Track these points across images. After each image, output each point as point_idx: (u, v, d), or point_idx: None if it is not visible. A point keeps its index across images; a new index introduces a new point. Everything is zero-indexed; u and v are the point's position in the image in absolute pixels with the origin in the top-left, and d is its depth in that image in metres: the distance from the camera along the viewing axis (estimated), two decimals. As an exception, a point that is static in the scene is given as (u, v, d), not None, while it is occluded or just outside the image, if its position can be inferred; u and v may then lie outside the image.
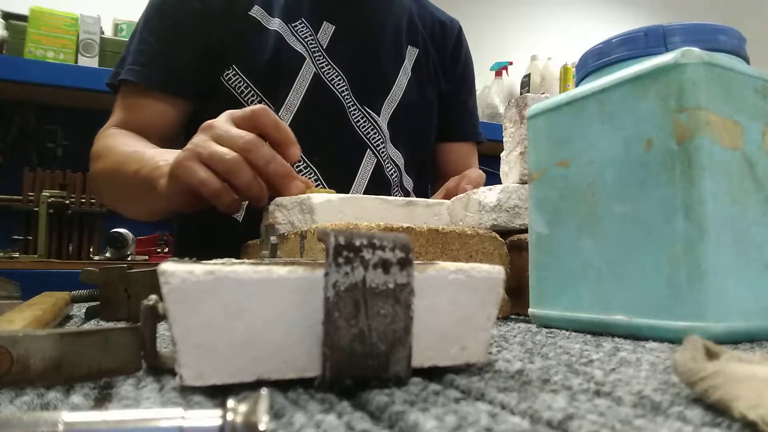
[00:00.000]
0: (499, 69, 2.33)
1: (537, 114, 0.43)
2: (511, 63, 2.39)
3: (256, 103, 0.79)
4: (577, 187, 0.39)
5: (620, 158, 0.36)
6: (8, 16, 1.71)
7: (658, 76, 0.34)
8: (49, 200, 1.60)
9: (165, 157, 0.62)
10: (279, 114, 0.80)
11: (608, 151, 0.36)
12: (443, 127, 1.00)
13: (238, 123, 0.57)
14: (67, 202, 1.62)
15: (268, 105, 0.79)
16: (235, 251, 0.64)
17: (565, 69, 2.35)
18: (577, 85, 0.43)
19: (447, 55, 0.99)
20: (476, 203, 0.52)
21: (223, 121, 0.57)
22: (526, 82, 2.37)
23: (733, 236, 0.32)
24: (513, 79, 2.40)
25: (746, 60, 0.40)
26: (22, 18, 1.69)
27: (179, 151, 0.62)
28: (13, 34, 1.68)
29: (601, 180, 0.37)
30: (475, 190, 0.53)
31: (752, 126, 0.34)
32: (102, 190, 0.83)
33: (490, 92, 2.28)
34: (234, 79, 0.80)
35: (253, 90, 0.80)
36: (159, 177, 0.61)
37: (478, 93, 2.35)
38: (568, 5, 3.05)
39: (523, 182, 0.53)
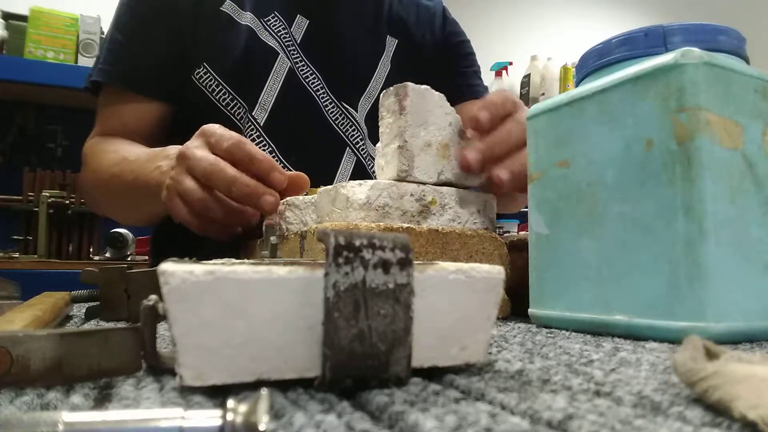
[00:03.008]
0: (499, 69, 2.33)
1: (537, 114, 0.43)
2: (511, 63, 2.39)
3: (227, 102, 0.77)
4: (577, 187, 0.39)
5: (620, 158, 0.36)
6: (8, 16, 1.71)
7: (658, 76, 0.34)
8: (49, 200, 1.60)
9: (157, 164, 0.63)
10: (253, 113, 0.78)
11: (608, 151, 0.36)
12: (452, 91, 0.94)
13: (213, 149, 0.56)
14: (67, 202, 1.62)
15: (240, 103, 0.78)
16: (212, 253, 0.64)
17: (565, 69, 2.36)
18: (577, 85, 0.43)
19: (437, 36, 0.96)
20: (344, 199, 0.46)
21: (194, 147, 0.56)
22: (526, 83, 2.37)
23: (733, 236, 0.32)
24: (513, 79, 2.40)
25: (746, 60, 0.40)
26: (22, 18, 1.69)
27: (166, 153, 0.62)
28: (13, 34, 1.68)
29: (601, 180, 0.37)
30: (344, 184, 0.47)
31: (752, 126, 0.34)
32: (98, 201, 0.82)
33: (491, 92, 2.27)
34: (205, 77, 0.78)
35: (225, 88, 0.78)
36: (157, 186, 0.61)
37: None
38: (568, 5, 3.05)
39: (400, 179, 0.48)
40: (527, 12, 2.94)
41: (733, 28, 0.40)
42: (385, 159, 0.51)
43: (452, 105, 0.50)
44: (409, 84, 0.49)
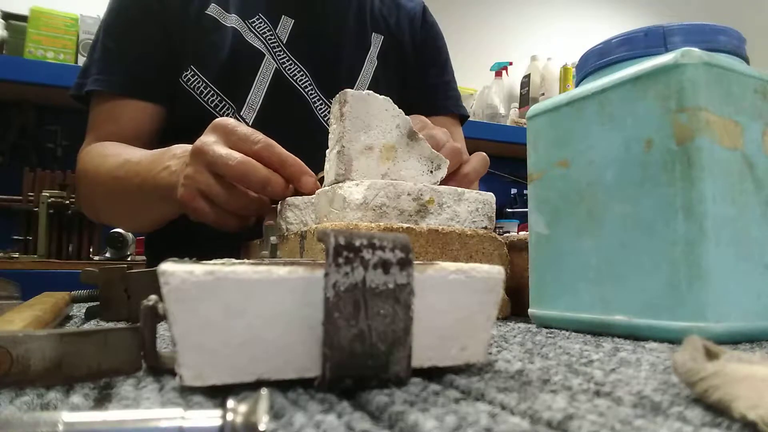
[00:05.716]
0: (499, 69, 2.33)
1: (537, 114, 0.43)
2: (511, 63, 2.39)
3: (216, 104, 0.77)
4: (577, 187, 0.39)
5: (620, 158, 0.36)
6: (8, 16, 1.71)
7: (658, 77, 0.34)
8: (49, 200, 1.60)
9: (164, 164, 0.61)
10: (242, 113, 0.78)
11: (608, 151, 0.36)
12: (419, 103, 0.92)
13: (236, 146, 0.54)
14: (67, 202, 1.62)
15: (228, 104, 0.78)
16: (210, 253, 0.63)
17: (565, 69, 2.35)
18: (577, 85, 0.43)
19: (416, 37, 0.96)
20: (341, 199, 0.46)
21: (212, 143, 0.54)
22: (525, 83, 2.37)
23: (733, 236, 0.32)
24: (513, 79, 2.40)
25: (746, 60, 0.40)
26: (22, 18, 1.69)
27: (173, 153, 0.61)
28: (13, 34, 1.68)
29: (601, 180, 0.37)
30: (341, 184, 0.47)
31: (752, 126, 0.34)
32: (99, 209, 0.81)
33: (490, 92, 2.27)
34: (193, 80, 0.78)
35: (213, 90, 0.78)
36: (168, 187, 0.60)
37: (478, 93, 2.36)
38: (568, 5, 3.05)
39: (337, 181, 0.49)
40: (527, 12, 2.94)
41: (733, 28, 0.40)
42: (329, 164, 0.52)
43: (425, 116, 0.51)
44: (349, 90, 0.50)
